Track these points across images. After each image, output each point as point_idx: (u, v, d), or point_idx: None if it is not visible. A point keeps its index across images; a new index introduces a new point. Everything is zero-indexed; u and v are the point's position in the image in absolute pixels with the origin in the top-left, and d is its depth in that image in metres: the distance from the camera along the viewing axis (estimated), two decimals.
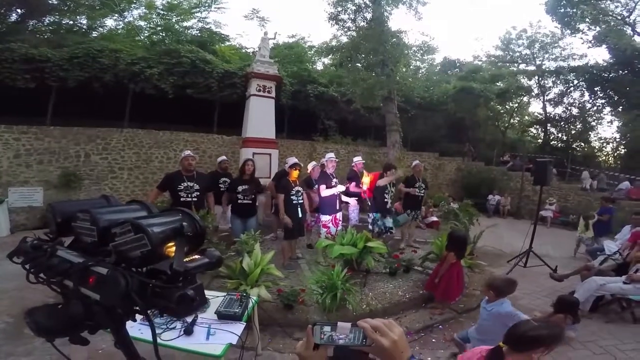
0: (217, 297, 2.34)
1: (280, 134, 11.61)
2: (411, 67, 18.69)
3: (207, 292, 2.39)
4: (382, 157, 11.63)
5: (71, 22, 13.26)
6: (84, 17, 13.46)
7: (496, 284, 2.75)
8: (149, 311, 0.73)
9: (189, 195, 4.32)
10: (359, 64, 11.91)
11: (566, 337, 3.55)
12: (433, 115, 16.40)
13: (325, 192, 4.99)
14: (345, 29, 11.49)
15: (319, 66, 17.58)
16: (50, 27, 12.82)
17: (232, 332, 1.92)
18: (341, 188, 5.24)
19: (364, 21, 11.20)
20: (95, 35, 13.52)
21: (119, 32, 14.23)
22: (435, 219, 8.59)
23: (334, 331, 0.73)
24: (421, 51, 15.38)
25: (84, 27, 13.62)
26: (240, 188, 4.84)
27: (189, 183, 4.37)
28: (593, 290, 4.22)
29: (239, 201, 4.85)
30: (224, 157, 6.13)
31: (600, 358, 3.27)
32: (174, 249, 0.71)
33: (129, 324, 1.93)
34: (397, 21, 35.57)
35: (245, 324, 2.09)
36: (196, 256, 0.79)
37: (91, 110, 10.52)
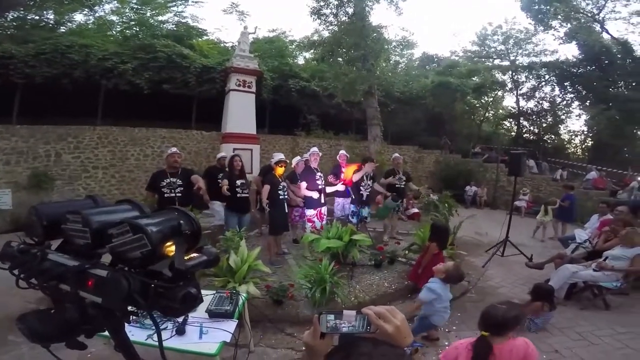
0: (207, 295, 2.32)
1: (261, 129, 11.51)
2: (391, 61, 18.87)
3: None
4: (363, 150, 11.73)
5: (37, 18, 12.52)
6: (51, 12, 12.76)
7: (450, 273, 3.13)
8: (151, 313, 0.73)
9: (172, 190, 4.27)
10: (340, 59, 11.94)
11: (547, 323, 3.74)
12: (412, 110, 16.66)
13: (305, 191, 4.99)
14: (327, 24, 11.52)
15: (301, 61, 17.51)
16: (14, 23, 12.07)
17: (225, 330, 1.91)
18: (314, 195, 5.23)
19: (345, 16, 11.24)
20: (64, 30, 12.86)
21: (89, 27, 13.59)
22: (416, 210, 8.80)
23: (339, 319, 0.75)
24: (401, 46, 15.53)
25: (51, 22, 12.92)
26: (238, 182, 4.80)
27: (172, 179, 4.32)
28: (566, 277, 4.39)
29: (238, 195, 4.80)
30: (223, 154, 6.09)
31: (578, 344, 3.40)
32: (173, 248, 0.71)
33: None
34: (378, 16, 35.69)
35: (237, 321, 2.09)
36: (194, 254, 0.79)
37: (61, 107, 10.03)
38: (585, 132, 19.96)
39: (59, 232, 0.89)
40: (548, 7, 16.97)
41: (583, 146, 20.58)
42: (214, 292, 2.34)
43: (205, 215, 5.82)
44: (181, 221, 0.76)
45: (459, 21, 47.33)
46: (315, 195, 5.09)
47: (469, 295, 4.60)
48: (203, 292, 2.25)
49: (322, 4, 11.11)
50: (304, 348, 0.83)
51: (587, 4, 16.82)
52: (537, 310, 3.64)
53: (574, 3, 16.73)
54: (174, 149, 4.58)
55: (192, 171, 4.77)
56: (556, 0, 16.30)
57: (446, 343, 3.38)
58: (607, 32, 17.04)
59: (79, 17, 13.73)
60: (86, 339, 0.83)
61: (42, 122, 9.25)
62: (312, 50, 13.36)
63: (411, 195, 10.00)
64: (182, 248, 0.72)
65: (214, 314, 2.05)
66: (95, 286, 0.70)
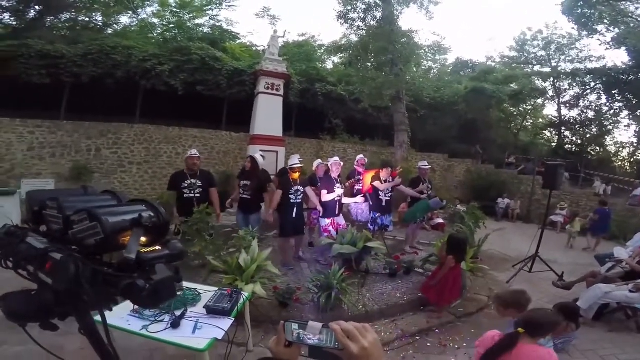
0: (209, 292, 2.35)
1: (287, 132, 11.65)
2: (423, 67, 18.49)
3: (198, 287, 2.41)
4: (389, 157, 11.53)
5: (87, 19, 13.57)
6: (99, 14, 13.78)
7: (503, 297, 2.60)
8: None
9: (192, 191, 4.43)
10: (368, 64, 11.84)
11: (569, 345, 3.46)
12: (443, 116, 16.18)
13: (326, 197, 4.92)
14: (355, 28, 11.45)
15: (329, 65, 17.59)
16: (67, 24, 13.15)
17: (219, 327, 1.92)
18: (340, 191, 5.13)
19: (373, 20, 11.14)
20: (110, 32, 13.82)
21: (133, 29, 14.50)
22: (441, 221, 8.47)
23: (304, 330, 0.72)
24: (433, 51, 15.19)
25: (99, 24, 13.95)
26: (241, 183, 4.90)
27: (192, 180, 4.48)
28: (597, 297, 4.09)
29: (241, 195, 4.91)
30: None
31: None
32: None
33: (118, 316, 1.95)
34: (408, 21, 35.17)
35: (233, 319, 2.09)
36: (157, 247, 0.78)
37: (103, 105, 10.75)
38: (635, 144, 18.39)
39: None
40: (592, 11, 15.90)
41: (632, 159, 18.95)
42: (217, 289, 2.36)
43: (229, 214, 5.99)
44: (143, 213, 0.76)
45: (495, 26, 45.51)
46: (335, 196, 5.00)
47: (487, 311, 4.34)
48: (205, 288, 2.30)
49: (349, 8, 11.08)
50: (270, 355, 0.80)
51: (637, 8, 15.56)
52: (560, 330, 3.37)
53: (622, 7, 15.53)
54: (194, 152, 4.68)
55: (209, 173, 4.91)
56: (601, 3, 15.24)
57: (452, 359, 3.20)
58: None
59: (124, 20, 14.74)
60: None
61: (86, 119, 9.95)
62: (339, 55, 13.37)
63: None
64: (137, 239, 0.71)
65: (212, 311, 2.06)
66: (50, 268, 0.71)
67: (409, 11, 11.33)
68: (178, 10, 14.49)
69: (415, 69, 14.89)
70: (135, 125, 10.62)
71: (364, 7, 11.02)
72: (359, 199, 5.44)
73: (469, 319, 4.07)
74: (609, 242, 8.45)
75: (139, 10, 14.33)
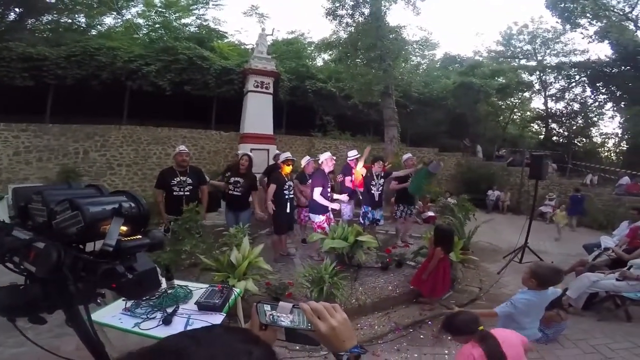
0: (200, 288, 2.36)
1: (278, 129, 11.63)
2: (411, 62, 18.58)
3: (190, 284, 2.42)
4: (380, 152, 11.60)
5: (69, 21, 13.31)
6: (82, 15, 13.52)
7: (540, 272, 2.55)
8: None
9: (182, 189, 4.35)
10: (358, 60, 11.85)
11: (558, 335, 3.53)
12: (433, 111, 16.31)
13: (317, 197, 4.82)
14: (344, 25, 11.44)
15: (319, 62, 17.57)
16: (49, 26, 12.89)
17: (211, 323, 1.93)
18: (336, 206, 5.09)
19: (361, 16, 11.13)
20: (94, 33, 13.60)
21: (118, 30, 14.28)
22: (432, 214, 8.58)
23: (275, 310, 0.72)
24: (421, 47, 15.26)
25: (83, 25, 13.70)
26: (232, 179, 4.86)
27: (181, 178, 4.39)
28: (586, 287, 4.12)
29: (229, 192, 4.87)
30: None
31: (590, 357, 3.19)
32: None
33: (110, 314, 1.95)
34: (396, 16, 35.22)
35: (225, 315, 2.11)
36: (138, 236, 0.80)
37: (89, 107, 10.59)
38: (620, 135, 18.83)
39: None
40: (575, 5, 16.19)
41: (617, 150, 19.39)
42: (207, 285, 2.38)
43: (220, 213, 5.97)
44: (123, 203, 0.78)
45: (482, 21, 46.00)
46: (329, 205, 4.93)
47: (479, 302, 4.41)
48: (196, 285, 2.31)
49: (337, 4, 11.07)
50: None
51: (618, 2, 15.91)
52: (550, 320, 3.43)
53: (604, 1, 15.85)
54: (182, 148, 4.60)
55: (199, 170, 4.85)
56: None
57: (445, 351, 3.25)
58: None
59: (108, 20, 14.50)
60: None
61: (72, 122, 9.79)
62: (329, 52, 13.37)
63: (428, 198, 9.82)
64: (117, 228, 0.73)
65: (203, 307, 2.07)
66: (34, 257, 0.73)
67: (396, 7, 11.30)
68: (164, 10, 14.30)
69: (404, 65, 14.95)
70: (122, 126, 10.49)
71: (352, 3, 11.00)
72: (344, 197, 5.40)
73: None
74: (597, 232, 8.66)
75: (124, 11, 14.11)
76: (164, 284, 2.28)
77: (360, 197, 5.59)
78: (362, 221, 5.48)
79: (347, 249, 4.33)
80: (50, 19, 12.71)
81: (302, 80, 13.51)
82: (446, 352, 3.24)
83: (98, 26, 14.15)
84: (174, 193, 4.30)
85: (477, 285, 5.00)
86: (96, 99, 10.67)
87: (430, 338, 3.50)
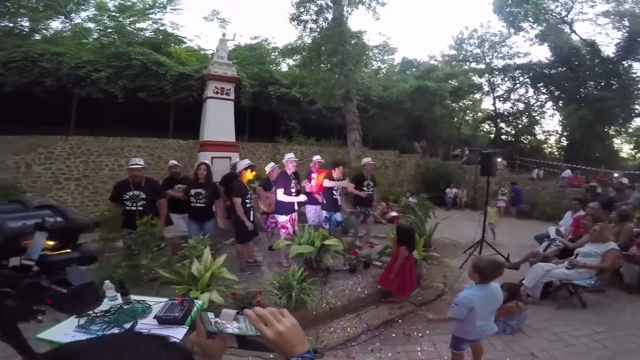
0: (159, 302, 2.24)
1: (241, 136, 11.40)
2: (372, 67, 19.11)
3: (147, 298, 2.28)
4: (344, 156, 11.78)
5: (10, 25, 12.22)
6: (25, 19, 12.49)
7: (480, 266, 2.50)
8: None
9: (134, 204, 4.15)
10: (322, 65, 11.97)
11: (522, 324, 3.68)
12: (393, 115, 16.86)
13: (282, 197, 4.85)
14: (308, 30, 11.52)
15: (284, 67, 17.52)
16: None
17: (173, 336, 1.82)
18: (302, 198, 5.17)
19: (325, 22, 11.28)
20: (38, 38, 12.58)
21: (65, 35, 13.33)
22: (395, 214, 8.82)
23: (219, 318, 0.70)
24: (381, 51, 15.70)
25: (26, 29, 12.63)
26: (192, 191, 4.74)
27: (135, 192, 4.20)
28: (540, 276, 4.38)
29: (192, 204, 4.76)
30: (174, 162, 5.91)
31: (554, 345, 3.33)
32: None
33: (63, 332, 1.81)
34: (357, 21, 36.23)
35: (187, 327, 2.01)
36: (67, 250, 0.75)
37: (32, 117, 9.75)
38: (560, 132, 20.65)
39: None
40: (519, 9, 17.52)
41: (558, 145, 21.24)
42: (167, 299, 2.26)
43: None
44: (47, 218, 0.73)
45: (438, 26, 48.59)
46: (295, 199, 4.99)
47: (445, 297, 4.57)
48: (155, 299, 2.18)
49: (301, 10, 11.15)
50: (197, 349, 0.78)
51: (556, 6, 17.41)
52: (510, 312, 3.60)
53: (544, 5, 17.26)
54: (136, 161, 4.37)
55: (156, 183, 4.65)
56: (526, 2, 16.83)
57: (418, 349, 3.32)
58: (576, 34, 17.76)
59: (55, 25, 13.53)
60: None
61: (13, 132, 8.94)
62: (294, 57, 13.39)
63: (391, 199, 10.11)
64: (40, 242, 0.68)
65: (163, 321, 1.98)
66: None
67: (357, 12, 11.54)
68: (117, 14, 13.57)
69: (365, 69, 15.32)
70: (69, 137, 9.74)
71: (316, 9, 11.12)
72: (302, 197, 5.33)
73: (428, 306, 4.23)
74: (545, 223, 9.31)
75: (73, 15, 13.20)
76: (119, 300, 2.16)
77: (323, 202, 5.63)
78: (326, 225, 5.51)
79: (314, 254, 4.32)
80: None
81: (265, 86, 13.38)
82: (419, 349, 3.30)
83: (43, 30, 13.12)
84: (127, 208, 4.12)
85: (442, 280, 5.18)
86: (39, 107, 9.84)
87: (402, 336, 3.56)
